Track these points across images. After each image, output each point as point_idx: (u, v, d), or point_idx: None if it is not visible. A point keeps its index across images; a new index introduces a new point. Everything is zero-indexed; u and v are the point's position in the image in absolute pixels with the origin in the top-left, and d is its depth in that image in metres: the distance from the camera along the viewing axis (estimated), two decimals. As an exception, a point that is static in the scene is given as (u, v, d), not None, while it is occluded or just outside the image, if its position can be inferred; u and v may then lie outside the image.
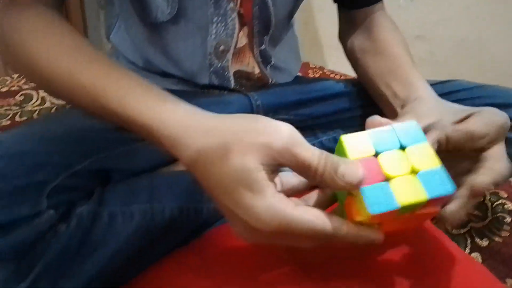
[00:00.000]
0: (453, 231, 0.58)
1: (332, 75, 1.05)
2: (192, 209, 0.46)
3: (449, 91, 0.56)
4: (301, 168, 0.29)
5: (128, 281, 0.40)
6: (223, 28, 0.53)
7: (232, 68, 0.58)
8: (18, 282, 0.31)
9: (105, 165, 0.43)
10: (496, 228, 0.60)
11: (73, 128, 0.42)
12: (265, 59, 0.60)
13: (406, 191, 0.28)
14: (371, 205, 0.27)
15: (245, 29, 0.56)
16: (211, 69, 0.56)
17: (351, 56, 0.60)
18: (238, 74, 0.59)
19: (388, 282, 0.37)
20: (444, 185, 0.28)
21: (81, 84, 0.35)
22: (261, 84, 0.62)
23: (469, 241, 0.57)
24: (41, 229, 0.33)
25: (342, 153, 0.30)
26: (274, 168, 0.29)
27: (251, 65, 0.59)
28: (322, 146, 0.60)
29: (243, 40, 0.56)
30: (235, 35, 0.55)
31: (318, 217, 0.28)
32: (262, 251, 0.40)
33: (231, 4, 0.52)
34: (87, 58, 0.37)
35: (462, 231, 0.58)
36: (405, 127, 0.31)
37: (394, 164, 0.29)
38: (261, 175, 0.28)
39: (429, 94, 0.45)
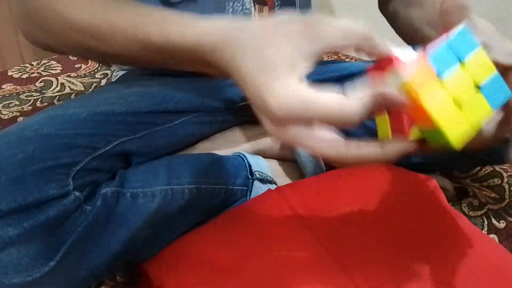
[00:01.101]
0: (470, 213, 0.58)
1: (347, 59, 1.04)
2: (210, 190, 0.47)
3: None
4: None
5: (150, 256, 0.42)
6: (240, 7, 0.53)
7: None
8: (48, 258, 0.33)
9: (128, 148, 0.44)
10: (513, 210, 0.60)
11: (96, 113, 0.43)
12: None
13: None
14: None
15: (265, 9, 0.55)
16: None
17: (394, 19, 0.58)
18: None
19: (407, 262, 0.38)
20: (503, 92, 0.30)
21: (119, 29, 0.38)
22: None
23: (486, 222, 0.57)
24: (69, 209, 0.34)
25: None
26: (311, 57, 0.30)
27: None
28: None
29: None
30: (252, 15, 0.54)
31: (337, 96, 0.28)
32: (281, 230, 0.41)
33: None
34: (117, 6, 0.39)
35: (479, 213, 0.59)
36: (457, 37, 0.30)
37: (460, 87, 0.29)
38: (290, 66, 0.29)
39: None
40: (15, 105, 0.75)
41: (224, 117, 0.58)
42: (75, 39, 0.41)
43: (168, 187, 0.43)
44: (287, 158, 0.61)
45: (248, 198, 0.51)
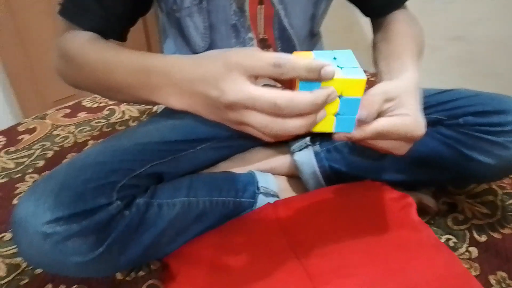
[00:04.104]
0: (454, 226, 0.65)
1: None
2: (220, 202, 0.61)
3: (447, 99, 0.63)
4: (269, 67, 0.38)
5: (171, 252, 0.56)
6: None
7: (259, 83, 0.70)
8: (97, 247, 0.48)
9: (159, 169, 0.59)
10: (500, 225, 0.65)
11: (137, 143, 0.59)
12: None
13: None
14: None
15: (270, 51, 0.67)
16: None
17: (374, 48, 0.66)
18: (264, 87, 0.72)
19: (355, 262, 0.48)
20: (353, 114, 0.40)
21: (119, 70, 0.50)
22: None
23: (468, 236, 0.63)
24: (112, 214, 0.50)
25: None
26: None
27: (273, 81, 0.72)
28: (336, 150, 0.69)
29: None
30: None
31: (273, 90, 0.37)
32: (264, 237, 0.53)
33: (250, 34, 0.64)
34: (123, 50, 0.51)
35: (463, 227, 0.65)
36: (342, 52, 0.40)
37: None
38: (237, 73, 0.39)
39: (407, 80, 0.50)
40: (87, 130, 0.95)
41: (241, 142, 0.71)
42: (90, 73, 0.54)
43: (186, 198, 0.57)
44: (294, 175, 0.72)
45: (254, 208, 0.64)
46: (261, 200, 0.64)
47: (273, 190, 0.67)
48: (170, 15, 0.63)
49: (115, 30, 0.60)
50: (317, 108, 0.38)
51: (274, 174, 0.71)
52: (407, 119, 0.44)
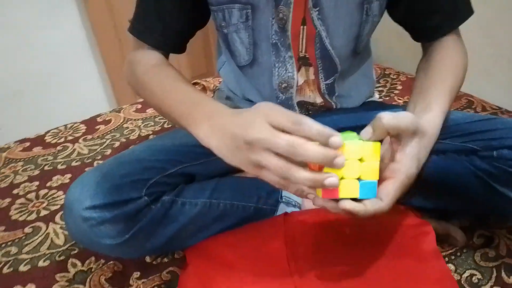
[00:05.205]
0: (481, 262, 0.61)
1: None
2: (241, 206, 0.65)
3: (485, 129, 0.59)
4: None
5: (191, 245, 0.63)
6: (284, 71, 0.69)
7: (296, 99, 0.73)
8: (125, 233, 0.56)
9: (190, 171, 0.66)
10: (537, 269, 0.59)
11: (175, 144, 0.67)
12: (331, 91, 0.73)
13: None
14: None
15: (311, 69, 0.70)
16: (278, 101, 0.73)
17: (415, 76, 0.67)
18: (302, 103, 0.74)
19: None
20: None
21: (172, 97, 0.58)
22: (325, 109, 0.75)
23: (495, 274, 0.59)
24: (140, 207, 0.58)
25: None
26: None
27: (312, 97, 0.73)
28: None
29: (304, 78, 0.71)
30: (295, 76, 0.70)
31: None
32: (268, 244, 0.57)
33: (289, 53, 0.67)
34: (179, 82, 0.60)
35: (491, 264, 0.61)
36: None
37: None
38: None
39: (427, 127, 0.50)
40: (151, 125, 1.07)
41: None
42: (151, 95, 0.63)
43: (208, 200, 0.63)
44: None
45: (274, 215, 0.67)
46: (282, 209, 0.68)
47: (296, 200, 0.69)
48: (219, 31, 0.69)
49: (175, 45, 0.68)
50: (327, 159, 0.40)
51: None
52: (403, 173, 0.46)
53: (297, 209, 0.68)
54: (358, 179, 0.42)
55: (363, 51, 0.73)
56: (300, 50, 0.66)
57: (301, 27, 0.63)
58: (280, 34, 0.64)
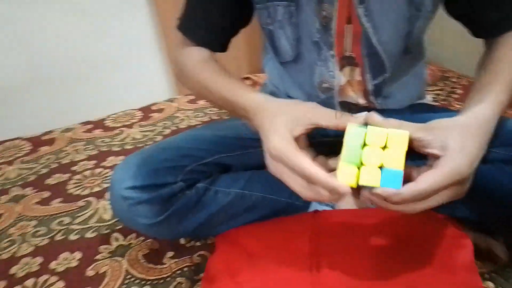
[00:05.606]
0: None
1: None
2: (273, 199, 0.66)
3: None
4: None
5: (220, 232, 0.65)
6: (325, 70, 0.68)
7: (338, 99, 0.72)
8: (159, 214, 0.60)
9: (225, 161, 0.68)
10: None
11: (214, 134, 0.69)
12: (377, 92, 0.71)
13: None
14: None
15: (357, 69, 0.68)
16: (318, 99, 0.72)
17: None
18: (344, 103, 0.73)
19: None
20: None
21: (218, 89, 0.61)
22: (368, 110, 0.73)
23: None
24: (175, 191, 0.61)
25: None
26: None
27: (354, 98, 0.72)
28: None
29: (348, 78, 0.69)
30: (336, 75, 0.68)
31: (307, 162, 0.43)
32: (292, 243, 0.57)
33: (331, 52, 0.66)
34: (218, 74, 0.63)
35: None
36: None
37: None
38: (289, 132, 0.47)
39: (470, 124, 0.47)
40: (200, 116, 1.11)
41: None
42: (200, 89, 0.66)
43: (240, 191, 0.65)
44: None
45: (307, 211, 0.68)
46: (315, 206, 0.68)
47: (329, 198, 0.69)
48: (264, 28, 0.70)
49: (220, 42, 0.71)
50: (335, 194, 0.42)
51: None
52: (447, 165, 0.42)
53: (329, 208, 0.67)
54: (381, 168, 0.41)
55: (415, 50, 0.70)
56: (344, 49, 0.65)
57: (346, 25, 0.62)
58: (322, 32, 0.63)
